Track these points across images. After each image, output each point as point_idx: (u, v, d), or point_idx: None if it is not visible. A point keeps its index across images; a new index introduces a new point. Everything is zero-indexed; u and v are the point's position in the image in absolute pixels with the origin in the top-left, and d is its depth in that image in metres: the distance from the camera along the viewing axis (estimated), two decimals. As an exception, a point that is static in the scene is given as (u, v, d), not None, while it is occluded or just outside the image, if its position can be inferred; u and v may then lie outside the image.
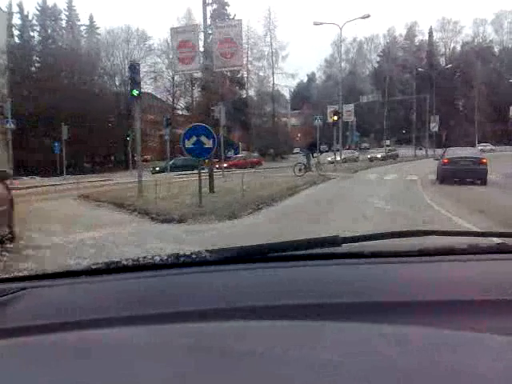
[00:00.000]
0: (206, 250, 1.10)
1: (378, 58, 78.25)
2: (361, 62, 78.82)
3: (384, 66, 72.66)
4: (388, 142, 63.28)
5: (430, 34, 75.43)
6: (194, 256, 1.09)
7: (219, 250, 1.14)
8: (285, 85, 74.60)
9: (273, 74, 59.12)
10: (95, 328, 0.72)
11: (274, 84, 60.31)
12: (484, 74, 67.19)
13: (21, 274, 1.14)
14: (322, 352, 0.58)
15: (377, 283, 0.99)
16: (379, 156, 48.39)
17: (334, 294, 0.93)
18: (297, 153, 43.71)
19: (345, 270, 1.09)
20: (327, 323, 0.72)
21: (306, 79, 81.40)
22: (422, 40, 76.78)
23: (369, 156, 47.09)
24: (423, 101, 55.21)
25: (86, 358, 0.58)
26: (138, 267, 1.09)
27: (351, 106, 44.13)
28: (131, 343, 0.63)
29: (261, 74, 57.98)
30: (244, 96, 57.23)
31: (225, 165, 26.29)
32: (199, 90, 47.06)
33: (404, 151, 53.38)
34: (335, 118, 28.44)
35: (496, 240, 1.31)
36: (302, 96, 72.08)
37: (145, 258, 1.10)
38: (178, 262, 1.09)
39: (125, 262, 1.11)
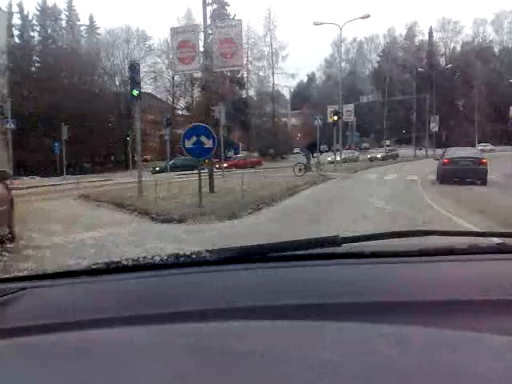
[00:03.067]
0: (206, 250, 1.10)
1: (378, 58, 78.04)
2: (361, 62, 78.54)
3: (384, 65, 72.39)
4: (388, 142, 62.58)
5: (430, 33, 75.44)
6: (193, 256, 1.09)
7: (219, 250, 1.14)
8: (285, 85, 74.09)
9: (273, 73, 58.62)
10: (95, 328, 0.72)
11: (273, 84, 59.72)
12: (484, 74, 67.05)
13: (21, 274, 1.14)
14: (322, 352, 0.57)
15: (377, 283, 0.99)
16: (379, 156, 48.27)
17: (334, 294, 0.93)
18: (297, 153, 42.71)
19: (345, 270, 1.09)
20: (327, 323, 0.72)
21: (306, 79, 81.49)
22: (422, 40, 76.79)
23: (369, 156, 46.83)
24: (423, 101, 55.06)
25: (86, 358, 0.58)
26: (138, 267, 1.09)
27: (351, 106, 43.85)
28: (131, 343, 0.63)
29: (261, 74, 58.12)
30: (244, 96, 57.10)
31: (225, 165, 26.29)
32: (199, 89, 47.01)
33: (404, 151, 53.19)
34: (335, 118, 28.46)
35: (496, 240, 1.31)
36: (302, 96, 71.87)
37: (145, 258, 1.10)
38: (177, 262, 1.09)
39: (125, 262, 1.11)
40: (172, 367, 0.55)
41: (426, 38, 76.11)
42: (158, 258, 1.09)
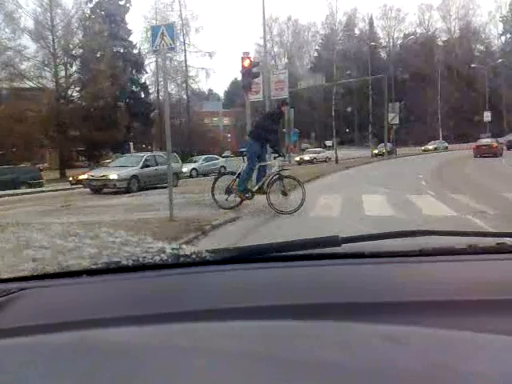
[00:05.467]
0: (206, 250, 1.11)
1: (317, 46, 72.39)
2: (298, 46, 71.65)
3: (324, 55, 65.84)
4: (330, 143, 50.94)
5: (371, 23, 71.35)
6: (193, 256, 1.10)
7: (219, 250, 1.15)
8: (200, 66, 62.11)
9: (184, 51, 45.40)
10: (95, 328, 0.72)
11: (186, 65, 46.70)
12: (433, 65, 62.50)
13: (21, 274, 1.14)
14: (322, 352, 0.57)
15: (377, 283, 0.99)
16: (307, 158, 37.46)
17: (334, 294, 0.93)
18: (226, 156, 34.10)
19: (345, 270, 1.09)
20: (327, 323, 0.72)
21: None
22: (363, 28, 71.90)
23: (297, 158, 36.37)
24: (377, 92, 47.38)
25: (86, 358, 0.58)
26: (138, 267, 1.09)
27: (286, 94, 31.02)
28: (131, 343, 0.63)
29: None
30: (143, 81, 46.73)
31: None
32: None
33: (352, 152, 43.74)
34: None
35: (496, 240, 1.31)
36: (234, 93, 63.32)
37: (145, 258, 1.10)
38: (177, 262, 1.09)
39: (125, 262, 1.12)
40: (172, 367, 0.55)
41: (367, 26, 71.26)
42: (157, 258, 1.09)
